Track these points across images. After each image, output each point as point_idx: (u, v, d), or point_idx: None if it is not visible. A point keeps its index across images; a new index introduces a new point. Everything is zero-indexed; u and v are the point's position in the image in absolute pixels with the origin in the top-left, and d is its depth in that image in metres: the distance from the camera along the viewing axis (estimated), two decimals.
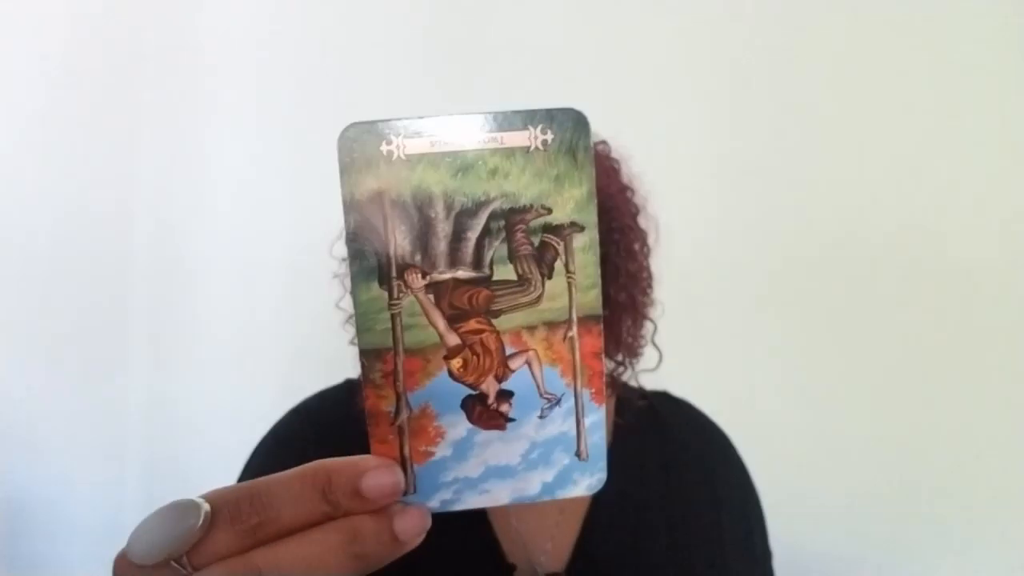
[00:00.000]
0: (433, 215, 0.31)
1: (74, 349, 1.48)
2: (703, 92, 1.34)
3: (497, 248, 0.32)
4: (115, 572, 0.30)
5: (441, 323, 0.32)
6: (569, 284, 0.32)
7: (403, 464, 0.32)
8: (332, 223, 0.72)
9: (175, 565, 0.29)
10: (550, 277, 0.32)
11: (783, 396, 1.28)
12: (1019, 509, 1.21)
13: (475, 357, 0.32)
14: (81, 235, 1.47)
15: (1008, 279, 1.23)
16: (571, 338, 0.33)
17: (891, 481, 1.25)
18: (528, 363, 0.33)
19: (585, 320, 0.33)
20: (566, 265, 0.32)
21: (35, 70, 1.46)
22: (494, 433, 0.33)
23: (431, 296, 0.32)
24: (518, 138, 0.31)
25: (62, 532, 1.48)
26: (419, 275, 0.32)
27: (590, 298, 0.33)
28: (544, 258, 0.32)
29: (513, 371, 0.32)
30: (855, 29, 1.29)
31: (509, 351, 0.32)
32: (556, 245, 0.32)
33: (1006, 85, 1.24)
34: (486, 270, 0.32)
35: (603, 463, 0.33)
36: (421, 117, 0.31)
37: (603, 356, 0.33)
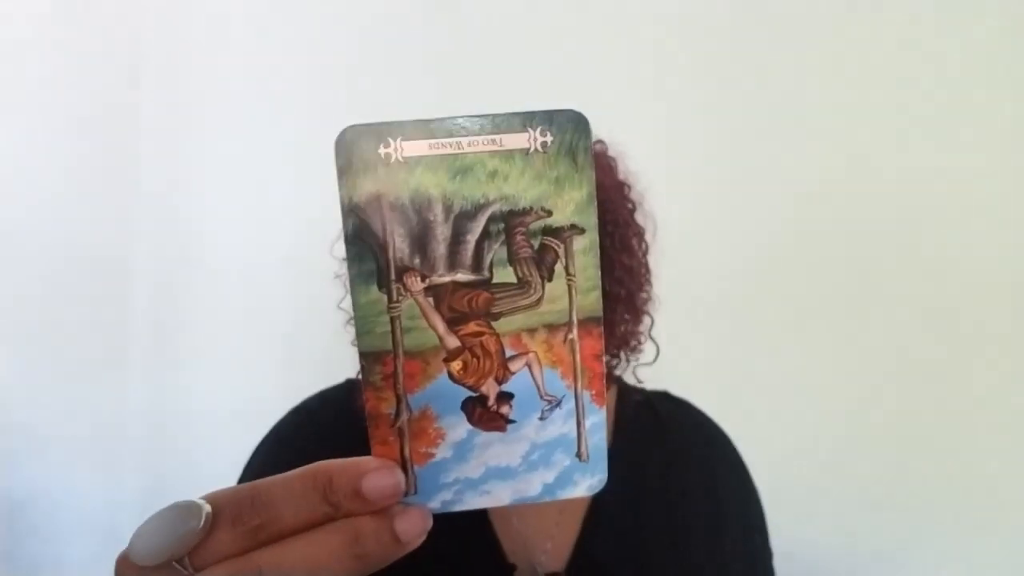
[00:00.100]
0: (432, 218, 0.31)
1: (74, 349, 1.48)
2: (702, 90, 1.34)
3: (497, 251, 0.32)
4: (117, 573, 0.30)
5: (441, 326, 0.32)
6: (569, 286, 0.32)
7: (404, 465, 0.32)
8: (332, 223, 0.72)
9: (176, 566, 0.29)
10: (550, 279, 0.32)
11: (783, 394, 1.28)
12: (1019, 509, 1.22)
13: (475, 359, 0.32)
14: (82, 235, 1.47)
15: (1007, 277, 1.23)
16: (571, 340, 0.33)
17: (891, 480, 1.25)
18: (528, 365, 0.33)
19: (585, 322, 0.33)
20: (566, 267, 0.32)
21: (37, 69, 1.46)
22: (494, 435, 0.33)
23: (430, 299, 0.32)
24: (517, 140, 0.31)
25: (62, 532, 1.48)
26: (418, 278, 0.32)
27: (590, 300, 0.33)
28: (544, 260, 0.32)
29: (513, 373, 0.33)
30: (854, 24, 1.29)
31: (509, 353, 0.32)
32: (556, 248, 0.32)
33: (1006, 84, 1.24)
34: (486, 273, 0.32)
35: (604, 464, 0.33)
36: (419, 119, 0.31)
37: (604, 358, 0.33)
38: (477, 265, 0.32)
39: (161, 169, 1.50)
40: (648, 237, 0.76)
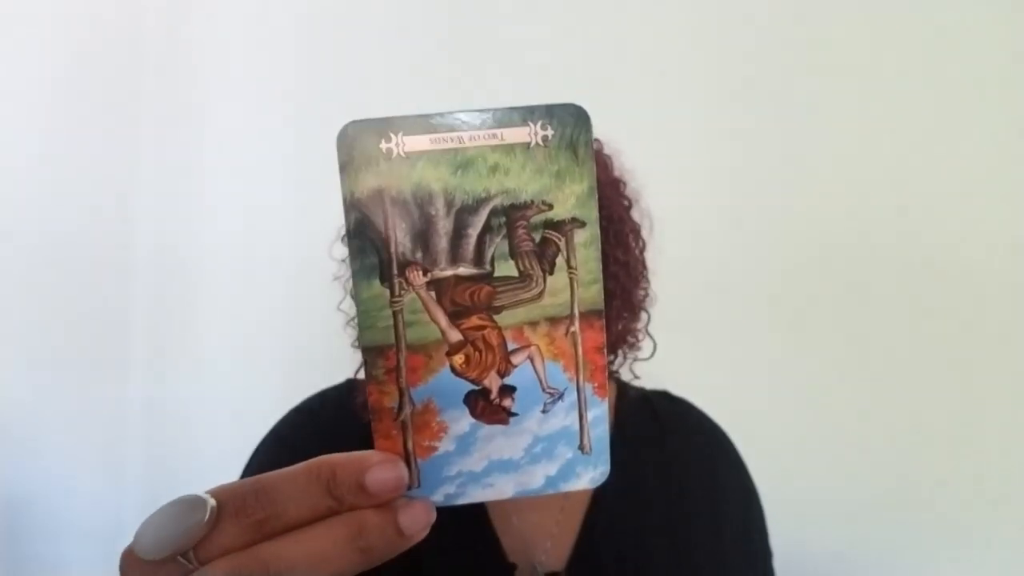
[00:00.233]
0: (434, 212, 0.31)
1: (74, 349, 1.48)
2: (700, 89, 1.34)
3: (498, 244, 0.32)
4: (122, 567, 0.30)
5: (443, 320, 0.32)
6: (571, 279, 0.33)
7: (407, 459, 0.32)
8: (333, 223, 0.73)
9: (181, 560, 0.29)
10: (551, 273, 0.32)
11: (782, 393, 1.28)
12: (1019, 509, 1.22)
13: (477, 353, 0.32)
14: (82, 236, 1.47)
15: (1008, 279, 1.23)
16: (573, 333, 0.33)
17: (891, 480, 1.25)
18: (530, 358, 0.33)
19: (587, 315, 0.33)
20: (567, 261, 0.32)
21: (36, 71, 1.45)
22: (497, 428, 0.33)
23: (433, 293, 0.32)
24: (518, 134, 0.32)
25: (62, 532, 1.48)
26: (420, 272, 0.32)
27: (592, 293, 0.33)
28: (545, 254, 0.32)
29: (515, 366, 0.33)
30: (857, 25, 1.29)
31: (511, 347, 0.33)
32: (557, 241, 0.32)
33: (1008, 86, 1.24)
34: (487, 267, 0.32)
35: (606, 456, 0.34)
36: (421, 114, 0.31)
37: (605, 351, 0.34)
38: (479, 259, 0.32)
39: (161, 169, 1.50)
40: (645, 234, 0.76)
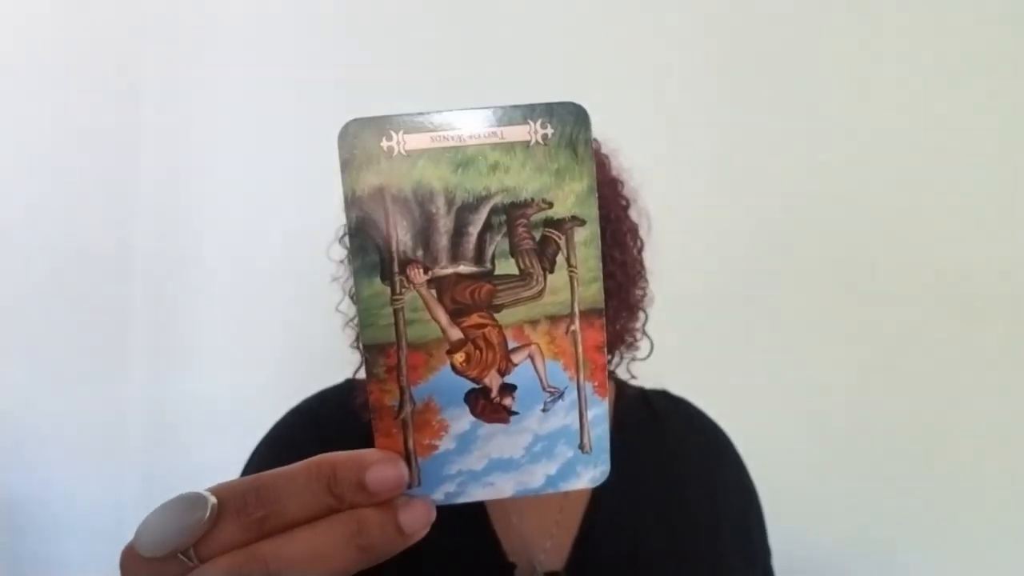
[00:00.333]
0: (434, 210, 0.31)
1: (74, 349, 1.48)
2: (697, 88, 1.34)
3: (499, 243, 0.32)
4: (122, 565, 0.30)
5: (443, 318, 0.32)
6: (571, 278, 0.33)
7: (407, 457, 0.32)
8: (333, 222, 0.73)
9: (182, 557, 0.29)
10: (552, 271, 0.32)
11: (780, 392, 1.28)
12: (1020, 509, 1.22)
13: (478, 351, 0.32)
14: (82, 235, 1.47)
15: (1009, 279, 1.23)
16: (573, 332, 0.33)
17: (890, 479, 1.25)
18: (531, 357, 0.33)
19: (587, 314, 0.33)
20: (568, 259, 0.32)
21: (36, 67, 1.45)
22: (497, 426, 0.33)
23: (433, 291, 0.32)
24: (518, 132, 0.32)
25: (62, 532, 1.48)
26: (421, 270, 0.32)
27: (592, 292, 0.33)
28: (546, 252, 0.32)
29: (516, 365, 0.33)
30: (855, 23, 1.29)
31: (511, 345, 0.33)
32: (557, 239, 0.32)
33: (1007, 84, 1.24)
34: (488, 265, 0.32)
35: (606, 455, 0.34)
36: (421, 112, 0.31)
37: (605, 349, 0.34)
38: (479, 257, 0.32)
39: (161, 168, 1.50)
40: (642, 234, 0.76)
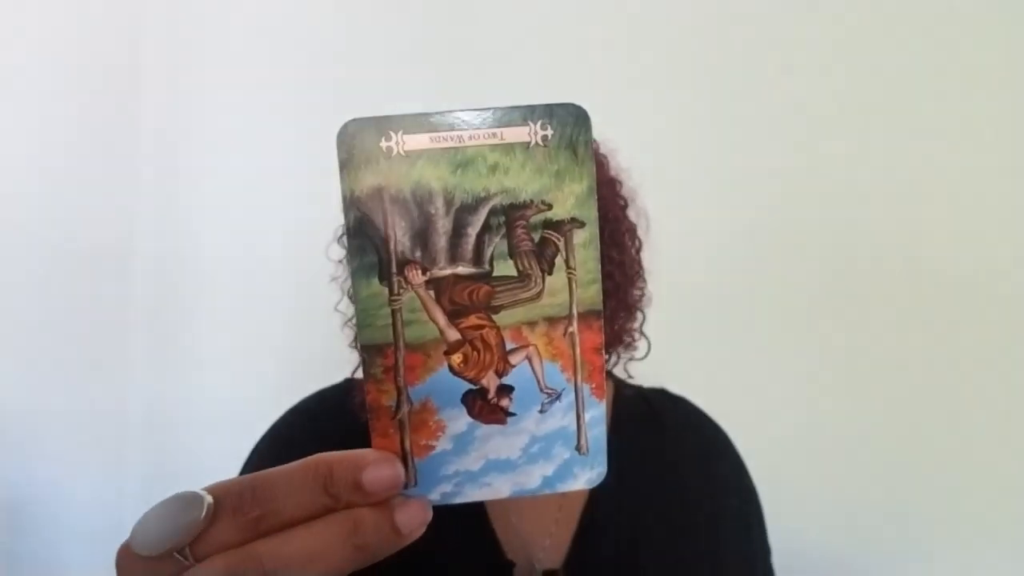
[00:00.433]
0: (433, 211, 0.31)
1: (74, 349, 1.48)
2: (696, 88, 1.34)
3: (497, 244, 0.32)
4: (118, 563, 0.30)
5: (441, 319, 0.32)
6: (569, 280, 0.33)
7: (404, 457, 0.32)
8: (332, 222, 0.73)
9: (177, 556, 0.29)
10: (550, 273, 0.32)
11: (779, 392, 1.28)
12: (1018, 507, 1.21)
13: (475, 352, 0.32)
14: (82, 235, 1.48)
15: (1009, 280, 1.23)
16: (571, 333, 0.33)
17: (889, 478, 1.25)
18: (528, 358, 0.33)
19: (585, 316, 0.33)
20: (566, 261, 0.32)
21: (36, 68, 1.46)
22: (494, 427, 0.33)
23: (431, 292, 0.32)
24: (518, 134, 0.32)
25: (62, 532, 1.48)
26: (419, 271, 0.32)
27: (590, 293, 0.33)
28: (544, 254, 0.32)
29: (513, 366, 0.33)
30: (854, 23, 1.29)
31: (509, 346, 0.33)
32: (556, 241, 0.32)
33: (1007, 84, 1.24)
34: (486, 266, 0.32)
35: (603, 457, 0.34)
36: (421, 113, 0.31)
37: (603, 351, 0.34)
38: (478, 258, 0.32)
39: (161, 168, 1.50)
40: (641, 234, 0.76)
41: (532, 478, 0.33)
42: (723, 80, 1.33)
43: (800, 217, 1.29)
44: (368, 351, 0.32)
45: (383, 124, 0.31)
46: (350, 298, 0.69)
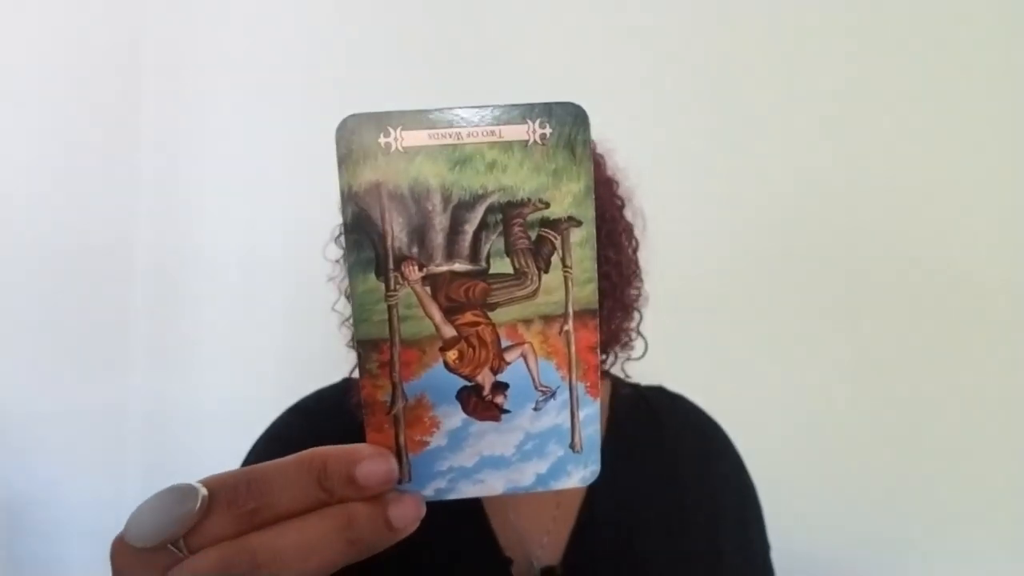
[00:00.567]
0: (430, 208, 0.32)
1: (74, 349, 1.48)
2: (694, 87, 1.34)
3: (494, 241, 0.32)
4: (113, 555, 0.30)
5: (437, 315, 0.32)
6: (565, 278, 0.33)
7: (398, 453, 0.32)
8: (332, 223, 0.73)
9: (172, 548, 0.29)
10: (547, 271, 0.32)
11: (778, 392, 1.28)
12: (1019, 509, 1.21)
13: (471, 349, 0.32)
14: (82, 234, 1.48)
15: (1008, 279, 1.23)
16: (567, 332, 0.33)
17: (888, 476, 1.25)
18: (523, 356, 0.33)
19: (581, 314, 0.33)
20: (563, 259, 0.32)
21: (36, 67, 1.46)
22: (489, 424, 0.33)
23: (428, 288, 0.32)
24: (516, 132, 0.32)
25: (62, 532, 1.48)
26: (416, 267, 0.32)
27: (586, 292, 0.33)
28: (541, 252, 0.32)
29: (508, 363, 0.33)
30: (853, 24, 1.29)
31: (505, 344, 0.33)
32: (553, 239, 0.32)
33: (1006, 83, 1.24)
34: (483, 263, 0.32)
35: (597, 455, 0.34)
36: (420, 109, 0.31)
37: (599, 350, 0.34)
38: (474, 255, 0.32)
39: (161, 168, 1.50)
40: (638, 234, 0.76)
41: (526, 475, 0.33)
42: (721, 80, 1.33)
43: (798, 217, 1.29)
44: (364, 346, 0.32)
45: (382, 120, 0.31)
46: (347, 297, 0.69)
